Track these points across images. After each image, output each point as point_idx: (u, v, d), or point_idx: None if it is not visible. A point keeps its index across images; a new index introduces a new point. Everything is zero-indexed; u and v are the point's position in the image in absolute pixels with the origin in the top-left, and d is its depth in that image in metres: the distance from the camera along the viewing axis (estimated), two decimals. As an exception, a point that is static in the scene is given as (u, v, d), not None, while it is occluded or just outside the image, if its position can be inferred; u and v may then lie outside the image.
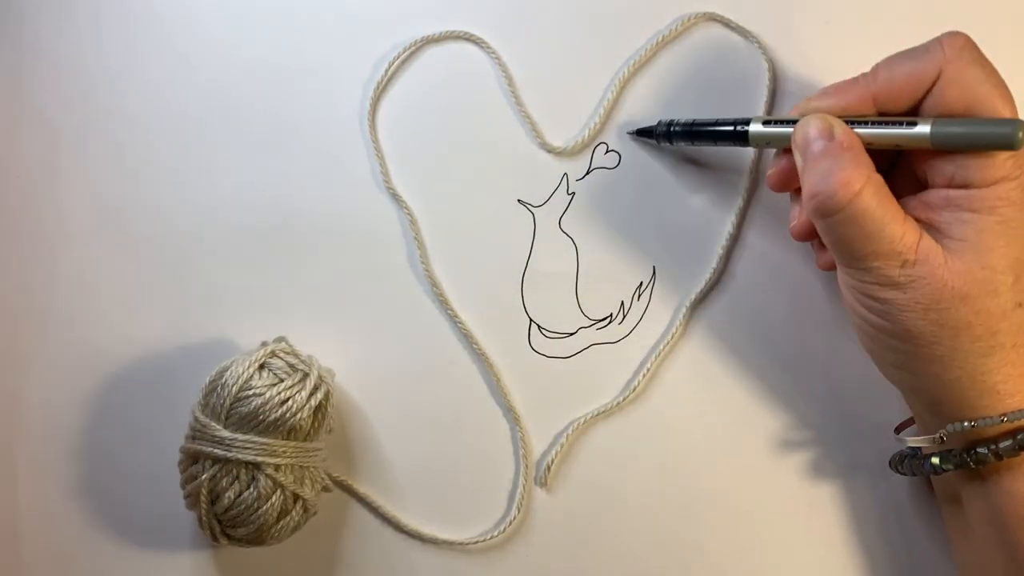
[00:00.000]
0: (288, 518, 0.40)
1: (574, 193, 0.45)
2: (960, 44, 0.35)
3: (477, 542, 0.44)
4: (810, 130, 0.35)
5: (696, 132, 0.41)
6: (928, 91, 0.35)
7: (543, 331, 0.45)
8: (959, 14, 0.43)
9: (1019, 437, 0.34)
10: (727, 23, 0.44)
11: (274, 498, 0.39)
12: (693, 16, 0.44)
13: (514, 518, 0.44)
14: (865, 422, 0.43)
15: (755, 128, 0.39)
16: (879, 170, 0.35)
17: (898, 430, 0.41)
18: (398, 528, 0.44)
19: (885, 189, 0.35)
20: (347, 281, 0.45)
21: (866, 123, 0.35)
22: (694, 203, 0.44)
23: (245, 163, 0.46)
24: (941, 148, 0.34)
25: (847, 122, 0.36)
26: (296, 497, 0.40)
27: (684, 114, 0.43)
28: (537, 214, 0.45)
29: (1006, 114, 0.34)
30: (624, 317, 0.44)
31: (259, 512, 0.39)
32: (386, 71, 0.45)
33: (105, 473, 0.45)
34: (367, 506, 0.44)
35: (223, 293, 0.45)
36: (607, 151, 0.45)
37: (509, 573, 0.44)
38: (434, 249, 0.45)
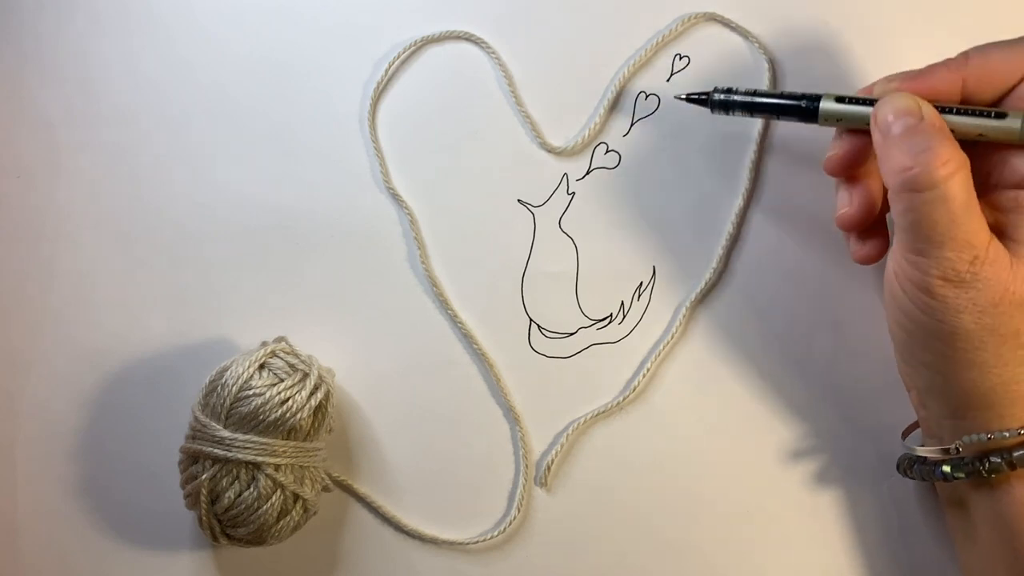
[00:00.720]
0: (288, 518, 0.40)
1: (574, 193, 0.45)
2: None
3: (477, 542, 0.44)
4: (898, 107, 0.34)
5: (758, 104, 0.39)
6: (1018, 84, 0.34)
7: (543, 331, 0.45)
8: (959, 14, 0.43)
9: None
10: (727, 23, 0.44)
11: (274, 498, 0.39)
12: (693, 16, 0.44)
13: (514, 518, 0.44)
14: (868, 423, 0.43)
15: (827, 105, 0.37)
16: None
17: (904, 434, 0.40)
18: (398, 528, 0.44)
19: (971, 179, 0.34)
20: (347, 281, 0.45)
21: (951, 110, 0.34)
22: (694, 203, 0.44)
23: (245, 163, 0.46)
24: None
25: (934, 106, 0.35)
26: (296, 497, 0.40)
27: (684, 114, 0.43)
28: (537, 214, 0.45)
29: None
30: (624, 317, 0.44)
31: (259, 512, 0.39)
32: (386, 71, 0.45)
33: (105, 473, 0.45)
34: (367, 506, 0.44)
35: (223, 293, 0.45)
36: (607, 151, 0.45)
37: (509, 573, 0.44)
38: (434, 249, 0.45)
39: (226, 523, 0.40)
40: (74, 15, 0.47)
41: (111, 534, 0.45)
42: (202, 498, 0.39)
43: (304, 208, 0.45)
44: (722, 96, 0.40)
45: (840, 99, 0.37)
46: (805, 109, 0.38)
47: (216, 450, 0.39)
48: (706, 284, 0.44)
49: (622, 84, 0.44)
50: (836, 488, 0.43)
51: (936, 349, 0.35)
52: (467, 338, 0.44)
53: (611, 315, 0.44)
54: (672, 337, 0.44)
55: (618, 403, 0.44)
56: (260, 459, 0.39)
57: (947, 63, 0.35)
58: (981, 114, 0.34)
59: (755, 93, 0.40)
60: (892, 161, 0.34)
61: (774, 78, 0.44)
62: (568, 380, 0.44)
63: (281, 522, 0.40)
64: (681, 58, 0.44)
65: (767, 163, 0.44)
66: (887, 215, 0.40)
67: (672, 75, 0.44)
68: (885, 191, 0.39)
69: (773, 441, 0.43)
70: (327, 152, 0.45)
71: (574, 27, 0.45)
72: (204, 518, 0.40)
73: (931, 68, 0.35)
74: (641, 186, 0.44)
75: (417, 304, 0.45)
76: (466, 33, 0.45)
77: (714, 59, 0.44)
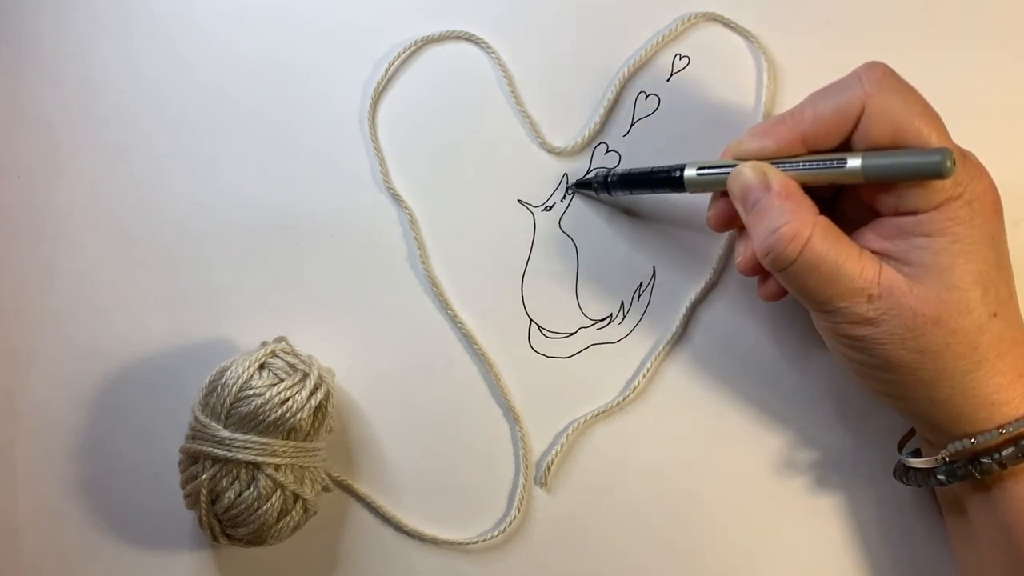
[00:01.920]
0: (288, 518, 0.40)
1: (574, 193, 0.45)
2: (879, 75, 0.34)
3: (477, 542, 0.44)
4: (746, 180, 0.35)
5: (633, 180, 0.41)
6: (855, 125, 0.34)
7: (543, 331, 0.45)
8: (959, 14, 0.43)
9: (1022, 444, 0.34)
10: (727, 23, 0.44)
11: (274, 498, 0.39)
12: (693, 16, 0.44)
13: (514, 518, 0.44)
14: (868, 425, 0.43)
15: (690, 174, 0.38)
16: (826, 202, 0.35)
17: (901, 443, 0.41)
18: (398, 528, 0.44)
19: (834, 229, 0.35)
20: (347, 281, 0.45)
21: (798, 164, 0.35)
22: (694, 203, 0.44)
23: (245, 163, 0.46)
24: (875, 182, 0.34)
25: (779, 164, 0.35)
26: (296, 497, 0.40)
27: (684, 113, 0.43)
28: (537, 214, 0.45)
29: (933, 140, 0.33)
30: (624, 317, 0.44)
31: (259, 512, 0.39)
32: (386, 71, 0.45)
33: (105, 473, 0.45)
34: (367, 506, 0.44)
35: (223, 293, 0.45)
36: (607, 151, 0.45)
37: (509, 573, 0.44)
38: (434, 249, 0.45)
39: (226, 523, 0.40)
40: (74, 15, 0.47)
41: (111, 534, 0.45)
42: (202, 498, 0.39)
43: (304, 208, 0.45)
44: (602, 179, 0.43)
45: (702, 169, 0.38)
46: (673, 180, 0.39)
47: (216, 450, 0.39)
48: (706, 284, 0.44)
49: (622, 84, 0.44)
50: (836, 489, 0.43)
51: (881, 378, 0.36)
52: (467, 338, 0.44)
53: (611, 315, 0.44)
54: (672, 337, 0.44)
55: (618, 403, 0.44)
56: (260, 459, 0.39)
57: (786, 118, 0.36)
58: (825, 164, 0.35)
59: (630, 172, 0.41)
60: (755, 243, 0.35)
61: (774, 78, 0.44)
62: (568, 380, 0.44)
63: (281, 522, 0.40)
64: (681, 58, 0.44)
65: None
66: None
67: (672, 75, 0.44)
68: None
69: (773, 441, 0.43)
70: (327, 152, 0.45)
71: (574, 27, 0.45)
72: (204, 518, 0.40)
73: (773, 124, 0.36)
74: (641, 186, 0.44)
75: (417, 304, 0.45)
76: (466, 33, 0.45)
77: (714, 59, 0.44)
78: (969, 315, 0.34)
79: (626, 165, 0.45)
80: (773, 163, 0.36)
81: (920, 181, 0.33)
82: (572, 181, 0.44)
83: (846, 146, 0.35)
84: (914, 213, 0.34)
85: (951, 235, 0.34)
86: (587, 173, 0.45)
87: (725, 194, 0.37)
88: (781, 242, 0.34)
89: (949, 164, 0.32)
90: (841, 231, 0.35)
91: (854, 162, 0.34)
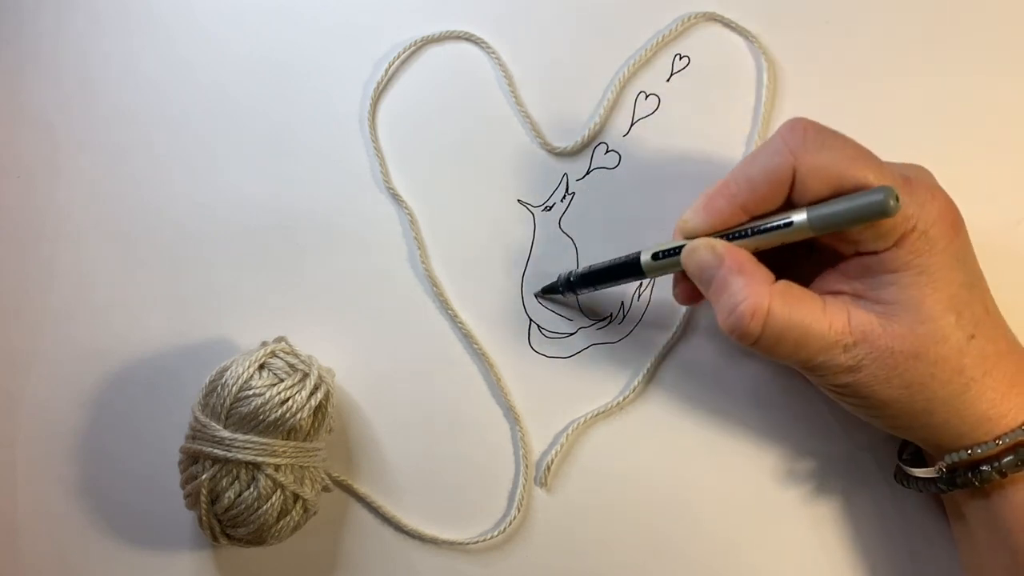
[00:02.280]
0: (288, 518, 0.40)
1: (574, 193, 0.45)
2: (800, 135, 0.34)
3: (477, 542, 0.44)
4: (699, 258, 0.35)
5: (594, 275, 0.41)
6: (791, 187, 0.34)
7: (543, 331, 0.45)
8: (959, 14, 0.43)
9: (1021, 452, 0.34)
10: (727, 23, 0.44)
11: (274, 498, 0.39)
12: (693, 16, 0.44)
13: (514, 518, 0.44)
14: (868, 426, 0.43)
15: (646, 259, 0.38)
16: (791, 250, 0.35)
17: (901, 449, 0.41)
18: (398, 528, 0.44)
19: (793, 290, 0.35)
20: (347, 281, 0.45)
21: (746, 233, 0.35)
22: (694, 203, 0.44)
23: (245, 163, 0.46)
24: (824, 232, 0.34)
25: (728, 236, 0.35)
26: (296, 497, 0.40)
27: (684, 115, 0.43)
28: (537, 214, 0.45)
29: (872, 180, 0.33)
30: (624, 317, 0.44)
31: (259, 512, 0.39)
32: (386, 71, 0.45)
33: (105, 473, 0.45)
34: (367, 506, 0.44)
35: (223, 293, 0.45)
36: (607, 151, 0.45)
37: (509, 573, 0.44)
38: (434, 249, 0.45)
39: (226, 523, 0.40)
40: (74, 15, 0.47)
41: (111, 534, 0.45)
42: (202, 498, 0.39)
43: (304, 208, 0.45)
44: (565, 279, 0.43)
45: (656, 255, 0.38)
46: (633, 267, 0.39)
47: (216, 450, 0.39)
48: (706, 284, 0.44)
49: (622, 84, 0.44)
50: (837, 490, 0.43)
51: (874, 414, 0.36)
52: (467, 338, 0.44)
53: (611, 315, 0.44)
54: (672, 337, 0.44)
55: (618, 403, 0.44)
56: (260, 459, 0.39)
57: (722, 190, 0.36)
58: (772, 227, 0.35)
59: (590, 268, 0.42)
60: (719, 319, 0.35)
61: (774, 78, 0.44)
62: (568, 380, 0.44)
63: (281, 522, 0.40)
64: (681, 58, 0.44)
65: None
66: None
67: (672, 75, 0.44)
68: None
69: (772, 441, 0.43)
70: (327, 152, 0.45)
71: (574, 27, 0.45)
72: (204, 518, 0.40)
73: (712, 199, 0.36)
74: (641, 186, 0.44)
75: (417, 304, 0.45)
76: (466, 33, 0.45)
77: (714, 59, 0.44)
78: (947, 343, 0.34)
79: (625, 164, 0.44)
80: (723, 235, 0.36)
81: (870, 223, 0.33)
82: (537, 290, 0.44)
83: (788, 205, 0.35)
84: (875, 253, 0.34)
85: (915, 268, 0.33)
86: (586, 163, 0.45)
87: (684, 274, 0.37)
88: (743, 320, 0.34)
89: (892, 203, 0.31)
90: (802, 288, 0.35)
91: (799, 217, 0.34)
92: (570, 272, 0.43)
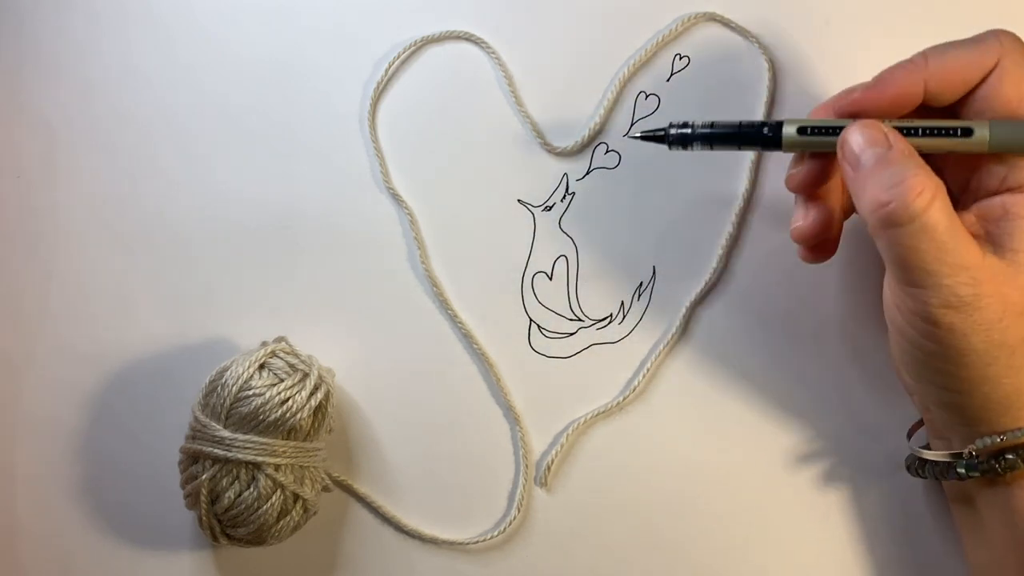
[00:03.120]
0: (288, 518, 0.40)
1: (574, 193, 0.45)
2: (1012, 39, 0.33)
3: (477, 542, 0.44)
4: (861, 138, 0.33)
5: (717, 136, 0.37)
6: (980, 83, 0.33)
7: (543, 331, 0.45)
8: (959, 13, 0.43)
9: None
10: (727, 23, 0.44)
11: (274, 498, 0.39)
12: (693, 16, 0.44)
13: (514, 518, 0.44)
14: (871, 421, 0.43)
15: (790, 132, 0.35)
16: None
17: (910, 433, 0.40)
18: (398, 528, 0.44)
19: (950, 201, 0.33)
20: (347, 281, 0.45)
21: (916, 131, 0.33)
22: (694, 203, 0.44)
23: (245, 163, 0.46)
24: (999, 152, 0.32)
25: (898, 128, 0.33)
26: (296, 497, 0.40)
27: (684, 114, 0.43)
28: (537, 214, 0.45)
29: None
30: (624, 317, 0.44)
31: (259, 512, 0.39)
32: (386, 71, 0.45)
33: (105, 473, 0.45)
34: (367, 506, 0.44)
35: (223, 293, 0.45)
36: (607, 151, 0.45)
37: (509, 573, 0.44)
38: (434, 249, 0.45)
39: (226, 523, 0.40)
40: (73, 15, 0.47)
41: (111, 534, 0.45)
42: (202, 498, 0.39)
43: (304, 208, 0.45)
44: (677, 131, 0.38)
45: (803, 128, 0.35)
46: (768, 138, 0.36)
47: (216, 450, 0.39)
48: (706, 284, 0.44)
49: (622, 84, 0.44)
50: (840, 487, 0.43)
51: (947, 371, 0.34)
52: (467, 338, 0.44)
53: (611, 315, 0.44)
54: (672, 337, 0.44)
55: (618, 403, 0.44)
56: (260, 459, 0.39)
57: (906, 66, 0.34)
58: (948, 133, 0.33)
59: (713, 125, 0.37)
60: (866, 197, 0.33)
61: (774, 78, 0.44)
62: (568, 380, 0.44)
63: (281, 522, 0.40)
64: (681, 58, 0.44)
65: (767, 163, 0.44)
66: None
67: (672, 75, 0.44)
68: (844, 211, 0.38)
69: (773, 440, 0.43)
70: (327, 152, 0.45)
71: (574, 27, 0.45)
72: (204, 518, 0.40)
73: (891, 74, 0.34)
74: (641, 186, 0.44)
75: (417, 304, 0.45)
76: (466, 33, 0.45)
77: (714, 59, 0.44)
78: None
79: (625, 164, 0.44)
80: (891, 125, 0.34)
81: None
82: (629, 131, 0.41)
83: (957, 107, 0.33)
84: (1021, 189, 0.33)
85: None
86: (586, 163, 0.44)
87: (817, 155, 0.35)
88: (909, 192, 0.31)
89: None
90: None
91: (981, 131, 0.32)
92: (686, 122, 0.38)
